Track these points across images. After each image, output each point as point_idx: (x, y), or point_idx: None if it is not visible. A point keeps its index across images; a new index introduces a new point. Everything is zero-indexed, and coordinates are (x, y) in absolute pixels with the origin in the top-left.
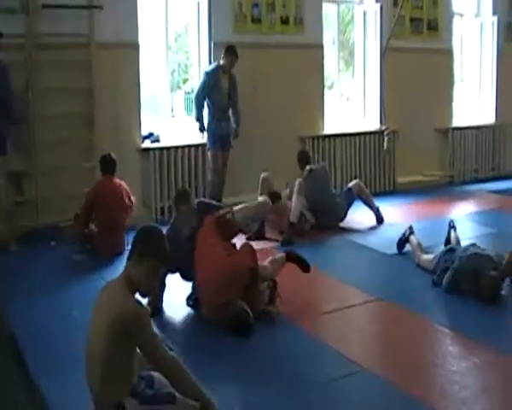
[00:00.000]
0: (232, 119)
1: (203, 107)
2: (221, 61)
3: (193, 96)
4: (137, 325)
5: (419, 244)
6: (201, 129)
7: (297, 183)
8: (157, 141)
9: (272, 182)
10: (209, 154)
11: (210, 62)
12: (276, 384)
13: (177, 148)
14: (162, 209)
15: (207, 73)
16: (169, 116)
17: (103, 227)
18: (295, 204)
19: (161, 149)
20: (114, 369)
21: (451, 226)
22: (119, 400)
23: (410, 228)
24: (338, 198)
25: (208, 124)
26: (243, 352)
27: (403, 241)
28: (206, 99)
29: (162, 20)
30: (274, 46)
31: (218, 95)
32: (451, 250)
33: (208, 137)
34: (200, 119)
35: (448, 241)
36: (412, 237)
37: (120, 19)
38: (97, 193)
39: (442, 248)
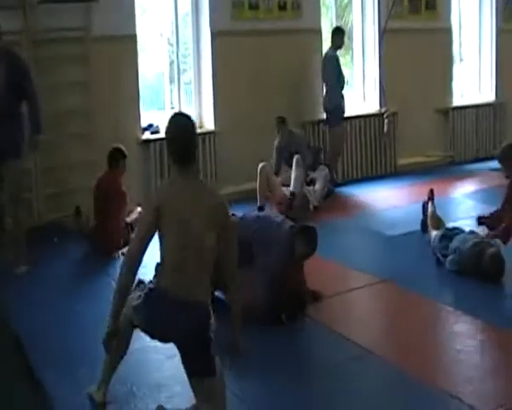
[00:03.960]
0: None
1: None
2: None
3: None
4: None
5: (432, 215)
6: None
7: (295, 159)
8: (157, 132)
9: (271, 171)
10: (335, 131)
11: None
12: (282, 371)
13: None
14: None
15: (336, 57)
16: (168, 108)
17: (98, 221)
18: (297, 175)
19: (162, 139)
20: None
21: (426, 208)
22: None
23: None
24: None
25: (337, 101)
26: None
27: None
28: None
29: (159, 11)
30: (272, 32)
31: (342, 74)
32: (446, 237)
33: (337, 114)
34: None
35: (425, 224)
36: (429, 206)
37: (117, 11)
38: (95, 187)
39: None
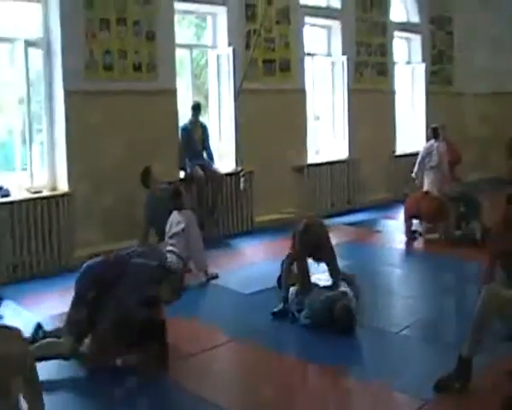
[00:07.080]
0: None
1: None
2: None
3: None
4: None
5: (291, 273)
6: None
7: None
8: (7, 195)
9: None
10: None
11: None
12: None
13: (28, 201)
14: (14, 267)
15: (183, 128)
16: (20, 169)
17: None
18: None
19: (11, 203)
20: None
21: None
22: None
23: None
24: None
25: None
26: (104, 399)
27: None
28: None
29: (13, 70)
30: (127, 93)
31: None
32: (301, 292)
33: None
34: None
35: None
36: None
37: None
38: None
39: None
